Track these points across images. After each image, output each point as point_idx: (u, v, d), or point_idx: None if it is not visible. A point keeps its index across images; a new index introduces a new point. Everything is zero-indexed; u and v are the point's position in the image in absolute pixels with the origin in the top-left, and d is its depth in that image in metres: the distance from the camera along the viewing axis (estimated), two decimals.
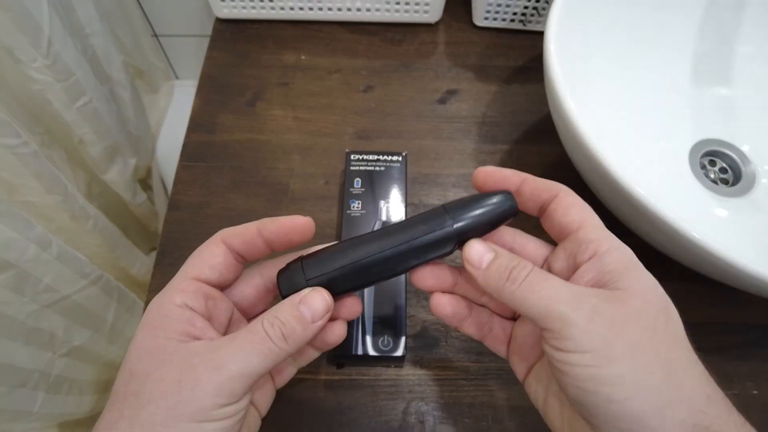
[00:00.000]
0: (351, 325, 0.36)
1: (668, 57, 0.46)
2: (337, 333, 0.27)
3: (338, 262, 0.25)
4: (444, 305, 0.27)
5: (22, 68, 0.45)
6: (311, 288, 0.24)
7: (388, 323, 0.36)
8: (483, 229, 0.25)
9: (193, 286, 0.24)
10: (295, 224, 0.26)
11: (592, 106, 0.37)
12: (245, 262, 0.27)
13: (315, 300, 0.23)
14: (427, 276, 0.27)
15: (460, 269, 0.28)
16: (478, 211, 0.24)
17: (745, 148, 0.45)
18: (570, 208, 0.24)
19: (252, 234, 0.26)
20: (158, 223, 0.82)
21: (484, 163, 0.48)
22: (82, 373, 0.53)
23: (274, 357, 0.22)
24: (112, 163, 0.64)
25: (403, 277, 0.38)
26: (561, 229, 0.25)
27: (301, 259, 0.26)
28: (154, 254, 0.72)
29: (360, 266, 0.25)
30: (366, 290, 0.37)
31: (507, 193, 0.25)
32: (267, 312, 0.23)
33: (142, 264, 0.70)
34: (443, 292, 0.28)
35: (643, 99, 0.46)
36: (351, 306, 0.28)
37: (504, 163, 0.48)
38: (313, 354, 0.30)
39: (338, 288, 0.25)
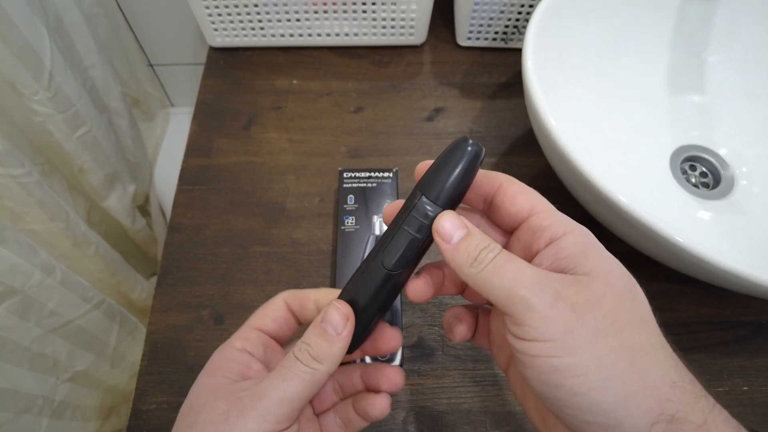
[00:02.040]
0: None
1: (643, 68, 0.48)
2: (379, 407, 0.27)
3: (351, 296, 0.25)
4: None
5: (24, 101, 0.47)
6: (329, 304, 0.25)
7: None
8: (461, 190, 0.23)
9: (254, 335, 0.26)
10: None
11: (571, 119, 0.39)
12: (301, 323, 0.28)
13: (331, 314, 0.24)
14: (421, 288, 0.25)
15: (441, 264, 0.27)
16: (452, 178, 0.22)
17: (722, 152, 0.47)
18: (516, 196, 0.23)
19: (308, 300, 0.27)
20: (157, 248, 0.83)
21: None
22: (85, 399, 0.53)
23: (309, 378, 0.23)
24: (112, 190, 0.65)
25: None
26: (511, 219, 0.24)
27: None
28: (154, 279, 0.73)
29: (372, 291, 0.24)
30: None
31: (462, 139, 0.23)
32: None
33: (143, 289, 0.71)
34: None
35: (621, 109, 0.48)
36: (391, 376, 0.28)
37: None
38: (360, 423, 0.28)
39: (364, 320, 0.25)
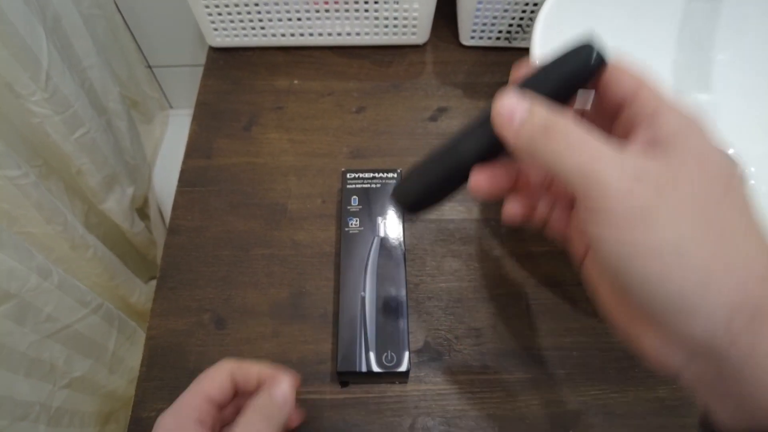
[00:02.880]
0: (354, 342, 0.37)
1: (649, 66, 0.48)
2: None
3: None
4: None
5: (22, 102, 0.46)
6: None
7: (390, 339, 0.37)
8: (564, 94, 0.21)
9: (206, 406, 0.29)
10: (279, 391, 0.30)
11: None
12: (239, 392, 0.31)
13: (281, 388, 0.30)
14: (483, 180, 0.24)
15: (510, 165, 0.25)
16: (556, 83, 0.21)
17: (730, 152, 0.46)
18: (621, 77, 0.21)
19: (251, 374, 0.31)
20: (156, 251, 0.82)
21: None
22: (83, 405, 0.52)
23: None
24: (110, 193, 0.65)
25: (403, 290, 0.39)
26: (613, 104, 0.21)
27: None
28: (153, 283, 0.72)
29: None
30: (367, 306, 0.38)
31: (584, 46, 0.20)
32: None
33: (141, 292, 0.70)
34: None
35: None
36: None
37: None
38: None
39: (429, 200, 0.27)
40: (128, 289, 0.66)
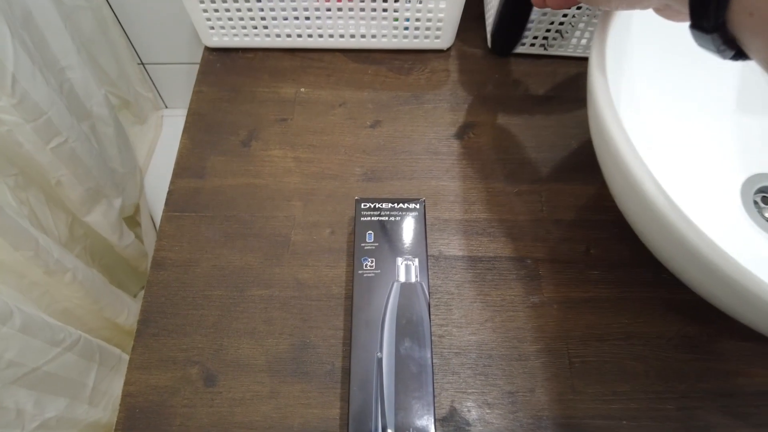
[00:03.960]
0: (367, 415, 0.30)
1: (711, 87, 0.41)
2: None
3: None
4: None
5: None
6: None
7: (412, 413, 0.30)
8: None
9: None
10: None
11: (640, 143, 0.32)
12: None
13: None
14: None
15: None
16: None
17: None
18: None
19: None
20: (148, 263, 0.76)
21: (510, 206, 0.42)
22: None
23: None
24: (96, 205, 0.59)
25: (428, 351, 0.32)
26: None
27: None
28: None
29: None
30: (385, 371, 0.31)
31: None
32: None
33: (130, 311, 0.64)
34: None
35: (687, 132, 0.41)
36: None
37: (533, 206, 0.42)
38: None
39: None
40: (114, 311, 0.61)
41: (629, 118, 0.31)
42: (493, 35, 0.48)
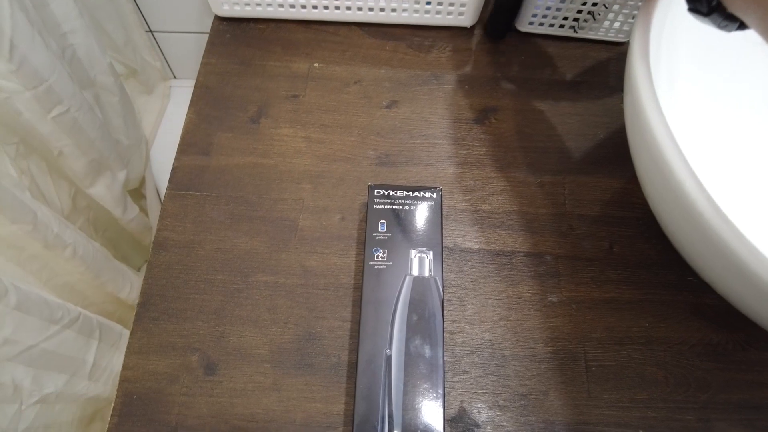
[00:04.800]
0: (373, 415, 0.29)
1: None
2: None
3: None
4: None
5: None
6: None
7: (421, 414, 0.29)
8: None
9: None
10: None
11: (682, 139, 0.29)
12: None
13: None
14: None
15: None
16: None
17: None
18: None
19: None
20: (152, 236, 0.75)
21: (531, 197, 0.40)
22: (59, 416, 0.46)
23: None
24: (99, 177, 0.57)
25: (440, 349, 0.31)
26: None
27: None
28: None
29: None
30: (394, 369, 0.30)
31: None
32: None
33: (133, 286, 0.63)
34: None
35: (739, 130, 0.37)
36: None
37: (556, 199, 0.40)
38: None
39: None
40: (117, 286, 0.59)
41: (670, 109, 0.28)
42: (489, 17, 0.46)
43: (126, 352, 0.34)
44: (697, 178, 0.24)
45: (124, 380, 0.33)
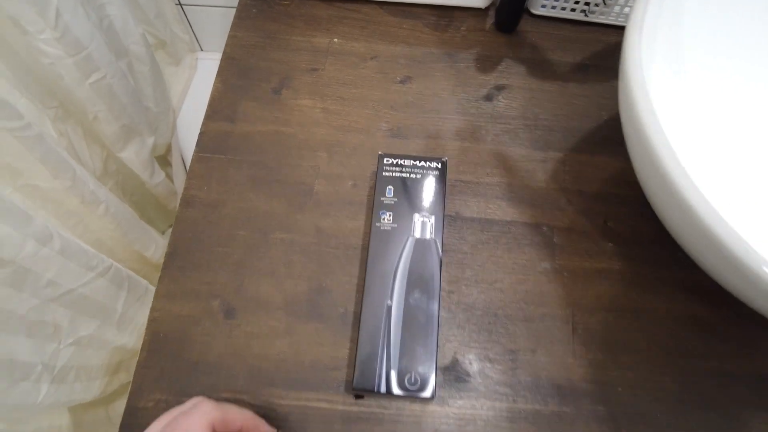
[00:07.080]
0: (374, 357, 0.32)
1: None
2: None
3: None
4: None
5: (30, 40, 0.42)
6: None
7: (416, 358, 0.32)
8: None
9: None
10: None
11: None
12: None
13: None
14: None
15: None
16: None
17: None
18: None
19: (235, 423, 0.29)
20: (177, 201, 0.79)
21: (533, 172, 0.42)
22: (90, 360, 0.50)
23: None
24: (129, 142, 0.60)
25: (436, 303, 0.34)
26: None
27: None
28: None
29: None
30: (393, 317, 0.33)
31: None
32: None
33: (158, 246, 0.67)
34: None
35: (742, 117, 0.38)
36: None
37: (556, 175, 0.42)
38: None
39: None
40: (143, 244, 0.64)
41: (669, 84, 0.30)
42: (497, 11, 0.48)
43: (155, 295, 0.38)
44: (671, 147, 0.26)
45: (152, 320, 0.37)
